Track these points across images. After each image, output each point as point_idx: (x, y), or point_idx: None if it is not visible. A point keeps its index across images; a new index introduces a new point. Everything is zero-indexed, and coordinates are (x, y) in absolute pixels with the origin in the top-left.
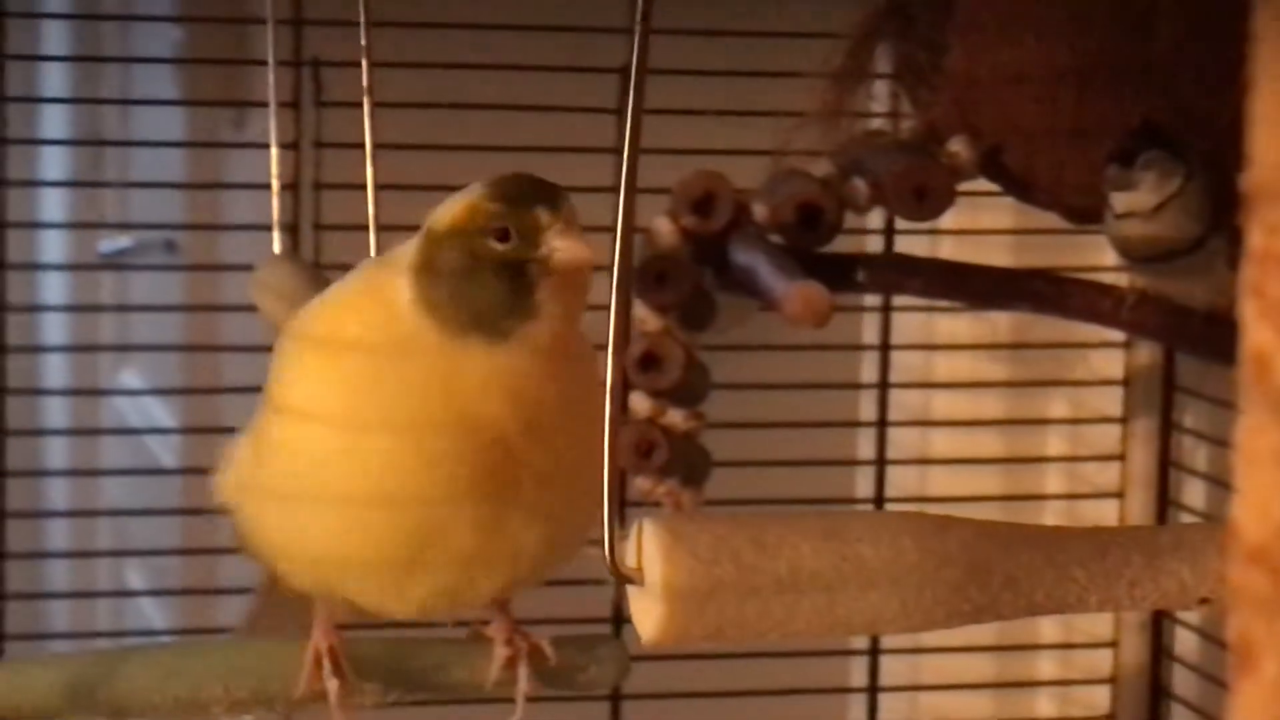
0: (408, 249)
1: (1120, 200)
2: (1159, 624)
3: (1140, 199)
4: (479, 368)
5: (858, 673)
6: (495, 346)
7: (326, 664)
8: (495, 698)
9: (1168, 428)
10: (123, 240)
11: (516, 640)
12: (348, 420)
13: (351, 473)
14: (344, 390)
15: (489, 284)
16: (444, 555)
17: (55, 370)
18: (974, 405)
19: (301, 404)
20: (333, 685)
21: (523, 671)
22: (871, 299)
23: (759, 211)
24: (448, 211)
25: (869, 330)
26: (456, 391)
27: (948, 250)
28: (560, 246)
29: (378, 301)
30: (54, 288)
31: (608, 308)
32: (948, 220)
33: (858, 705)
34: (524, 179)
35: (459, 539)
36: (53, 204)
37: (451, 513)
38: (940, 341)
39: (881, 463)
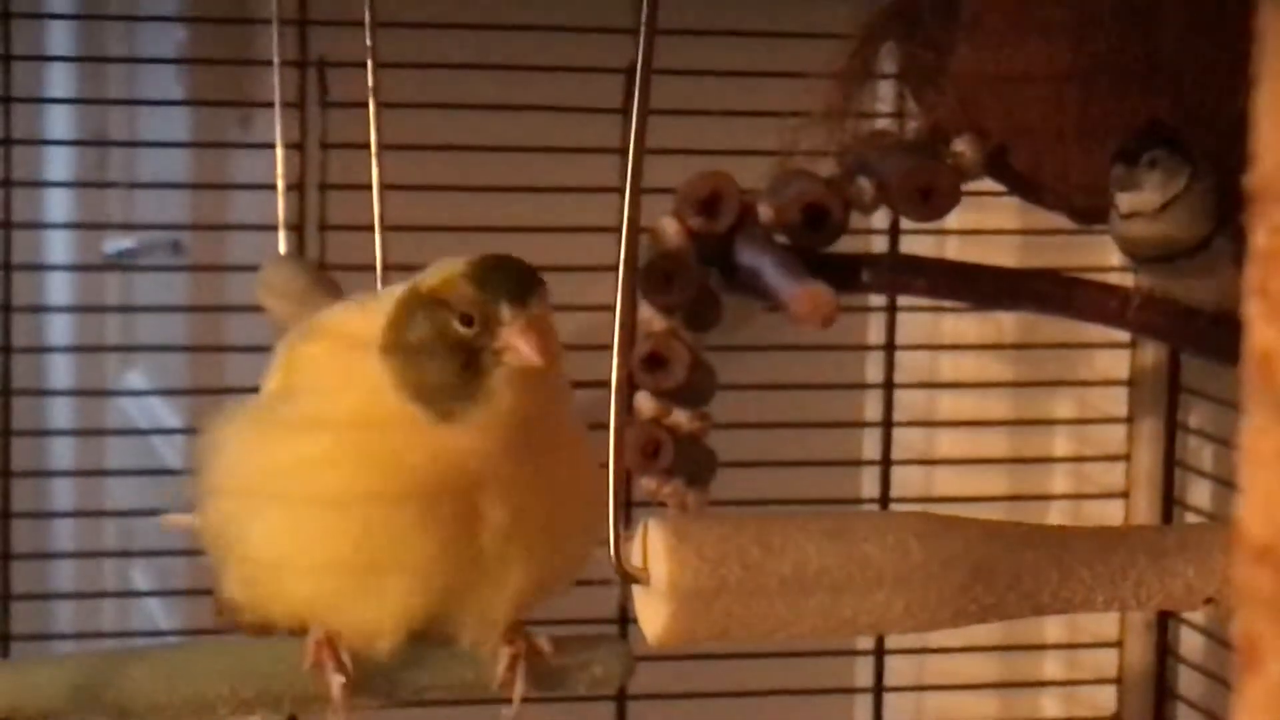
0: (392, 297)
1: (1125, 200)
2: (1164, 624)
3: (1145, 199)
4: (430, 437)
5: (863, 673)
6: (444, 422)
7: (329, 660)
8: (498, 698)
9: (1173, 428)
10: (128, 241)
11: (518, 640)
12: (304, 463)
13: (310, 523)
14: (308, 435)
15: (445, 363)
16: (406, 599)
17: (61, 371)
18: (979, 405)
19: (270, 445)
20: (337, 681)
21: (520, 672)
22: (877, 299)
23: (764, 212)
24: (431, 277)
25: (874, 330)
26: (408, 453)
27: (953, 250)
28: (516, 345)
29: (352, 348)
30: (59, 288)
31: (613, 308)
32: (953, 220)
33: (863, 705)
34: (502, 266)
35: (417, 588)
36: (58, 204)
37: (406, 563)
38: (945, 342)
39: (887, 463)
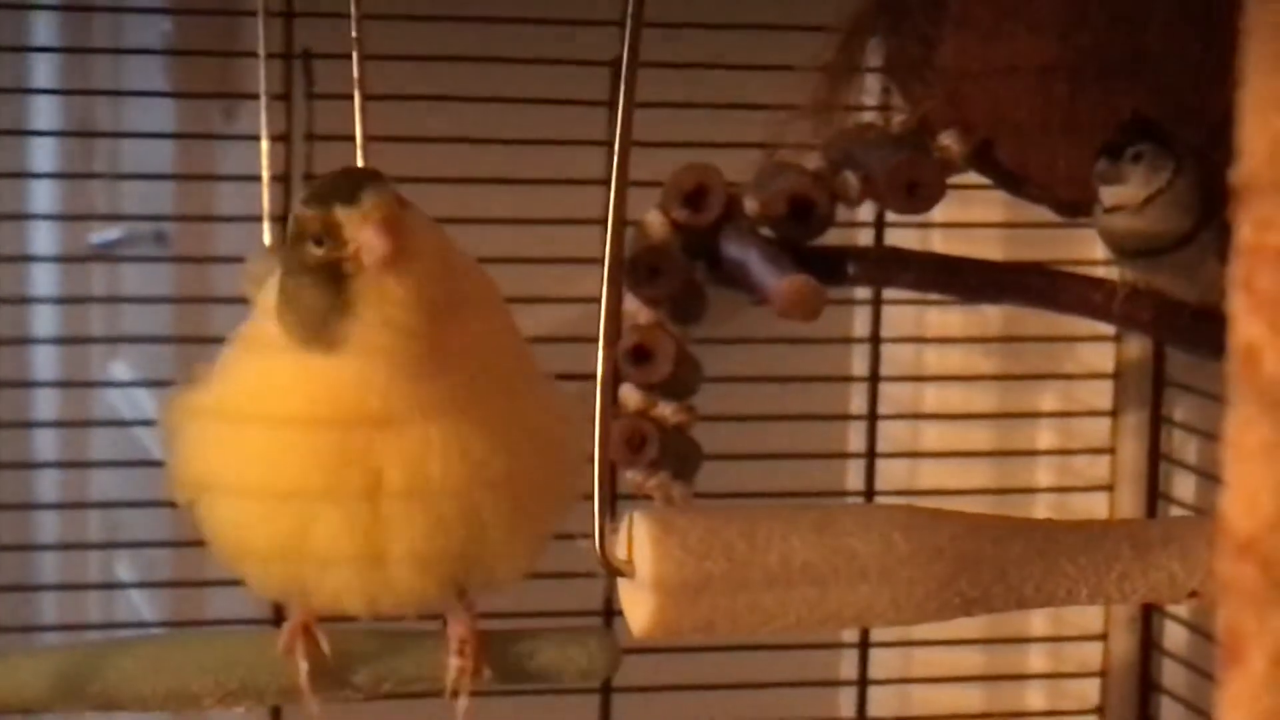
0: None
1: (1108, 194)
2: (1148, 618)
3: (1128, 193)
4: (319, 373)
5: (848, 665)
6: (329, 354)
7: (299, 647)
8: (488, 690)
9: (1158, 421)
10: (113, 232)
11: (466, 648)
12: (225, 419)
13: (230, 470)
14: (231, 392)
15: (311, 291)
16: (326, 548)
17: (45, 362)
18: (964, 398)
19: (207, 402)
20: (303, 668)
21: (462, 701)
22: (862, 292)
23: (750, 205)
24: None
25: (860, 323)
26: (305, 395)
27: (938, 243)
28: (359, 241)
29: (261, 309)
30: (44, 279)
31: (599, 300)
32: (939, 213)
33: (847, 698)
34: (332, 176)
35: (331, 533)
36: (43, 196)
37: (316, 507)
38: (931, 335)
39: (872, 456)
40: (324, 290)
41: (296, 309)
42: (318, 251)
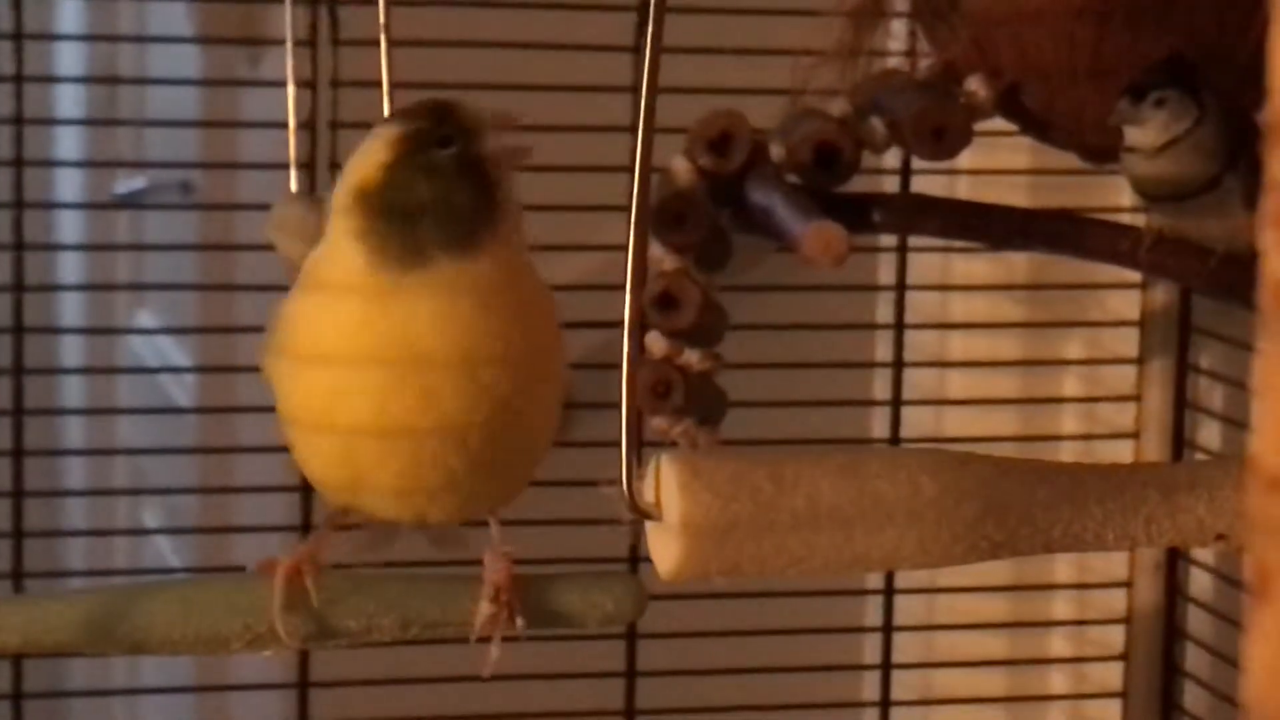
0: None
1: (1127, 135)
2: (1174, 564)
3: (1144, 136)
4: (411, 299)
5: (872, 612)
6: (428, 276)
7: (279, 587)
8: (512, 635)
9: (1184, 369)
10: (138, 181)
11: (500, 596)
12: (303, 355)
13: (306, 402)
14: (304, 327)
15: (461, 193)
16: (382, 480)
17: (71, 310)
18: (990, 346)
19: (278, 340)
20: (278, 598)
21: (495, 646)
22: (888, 239)
23: (776, 151)
24: (374, 154)
25: (885, 270)
26: (387, 325)
27: (965, 190)
28: (501, 139)
29: (331, 245)
30: (70, 227)
31: (625, 248)
32: (965, 160)
33: (872, 644)
34: (420, 105)
35: (390, 467)
36: (68, 142)
37: (381, 441)
38: (956, 282)
39: (897, 403)
40: (473, 191)
41: (439, 214)
42: (445, 153)
